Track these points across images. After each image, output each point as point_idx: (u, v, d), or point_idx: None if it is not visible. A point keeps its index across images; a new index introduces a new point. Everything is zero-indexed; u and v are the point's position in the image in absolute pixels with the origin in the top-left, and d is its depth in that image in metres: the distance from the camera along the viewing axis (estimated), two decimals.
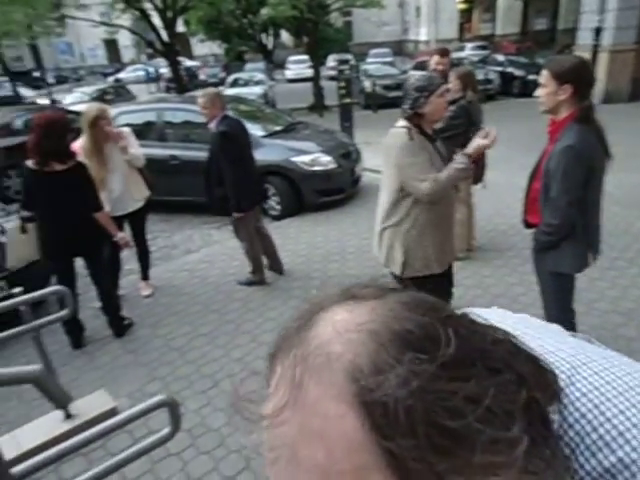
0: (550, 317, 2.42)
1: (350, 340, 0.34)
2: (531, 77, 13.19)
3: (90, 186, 3.30)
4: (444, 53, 4.37)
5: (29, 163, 3.10)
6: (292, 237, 5.11)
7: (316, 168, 5.76)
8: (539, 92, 2.19)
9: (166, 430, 1.66)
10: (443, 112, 2.41)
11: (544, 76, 2.15)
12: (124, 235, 3.68)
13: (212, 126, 3.80)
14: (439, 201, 2.35)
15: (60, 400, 1.15)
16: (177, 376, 3.11)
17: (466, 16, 32.67)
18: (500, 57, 16.40)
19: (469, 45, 25.08)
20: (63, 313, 2.46)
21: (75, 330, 3.52)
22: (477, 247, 4.50)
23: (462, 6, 31.17)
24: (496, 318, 0.47)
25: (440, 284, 2.61)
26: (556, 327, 0.57)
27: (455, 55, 16.86)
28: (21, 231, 3.30)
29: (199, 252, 5.14)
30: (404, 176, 2.29)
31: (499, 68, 15.23)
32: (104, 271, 3.57)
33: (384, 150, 2.43)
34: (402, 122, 2.36)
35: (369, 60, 22.79)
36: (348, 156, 6.31)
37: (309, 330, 0.38)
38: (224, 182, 3.73)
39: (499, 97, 14.30)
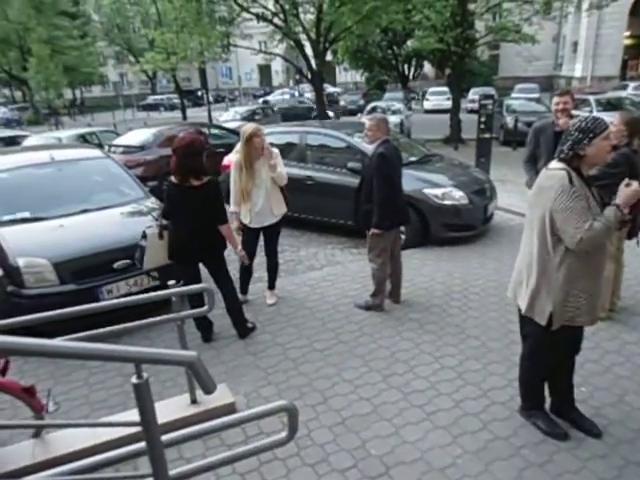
0: None
1: None
2: None
3: (219, 200, 3.65)
4: (564, 93, 4.37)
5: (172, 178, 3.58)
6: (414, 268, 5.08)
7: (447, 202, 5.68)
8: None
9: (283, 435, 1.77)
10: (605, 156, 2.27)
11: None
12: (242, 250, 4.00)
13: (371, 147, 4.11)
14: (592, 250, 2.21)
15: (207, 387, 1.31)
16: (290, 385, 3.27)
17: (632, 53, 29.74)
18: None
19: (632, 84, 22.74)
20: (205, 308, 2.77)
21: (206, 325, 3.90)
22: (621, 308, 4.04)
23: (629, 41, 28.48)
24: None
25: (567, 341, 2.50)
26: None
27: (612, 94, 15.47)
28: (159, 237, 3.76)
29: (322, 270, 5.35)
30: (559, 221, 2.19)
31: None
32: (226, 277, 3.87)
33: (537, 191, 2.35)
34: (558, 164, 2.27)
35: (514, 95, 21.84)
36: (482, 193, 6.12)
37: None
38: (372, 199, 3.96)
39: None
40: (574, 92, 4.39)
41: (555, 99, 4.31)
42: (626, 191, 2.17)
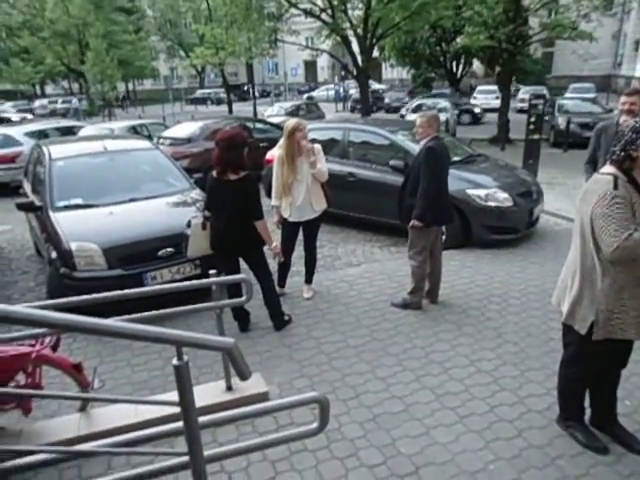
0: None
1: None
2: None
3: (255, 196, 3.69)
4: (632, 92, 4.08)
5: (213, 172, 3.66)
6: (453, 269, 5.00)
7: (490, 204, 5.55)
8: None
9: (314, 425, 1.80)
10: None
11: None
12: (277, 246, 3.99)
13: (422, 143, 4.10)
14: (627, 262, 2.10)
15: (243, 373, 1.35)
16: (323, 378, 3.31)
17: None
18: None
19: None
20: (243, 299, 2.84)
21: (243, 316, 3.99)
22: None
23: None
24: None
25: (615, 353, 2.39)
26: None
27: None
28: (202, 228, 3.86)
29: (359, 267, 5.36)
30: (597, 228, 2.10)
31: None
32: (265, 270, 3.93)
33: (583, 196, 2.26)
34: (610, 168, 2.17)
35: (568, 95, 20.99)
36: (528, 195, 5.93)
37: None
38: (416, 194, 3.97)
39: None
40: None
41: (622, 98, 4.07)
42: None
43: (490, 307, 4.26)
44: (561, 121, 13.25)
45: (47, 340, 2.59)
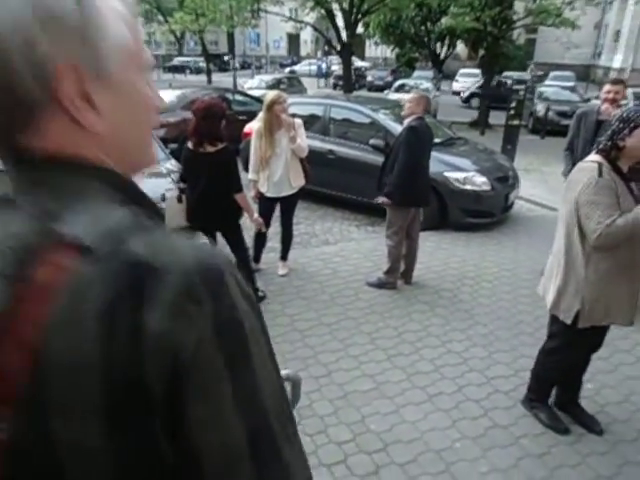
0: None
1: None
2: None
3: (234, 169, 3.58)
4: (617, 81, 4.15)
5: (188, 143, 3.53)
6: (428, 251, 5.03)
7: (468, 187, 5.57)
8: None
9: None
10: None
11: None
12: (258, 217, 3.95)
13: (406, 122, 4.05)
14: (610, 249, 2.13)
15: None
16: (296, 356, 3.30)
17: None
18: None
19: None
20: None
21: None
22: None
23: None
24: None
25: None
26: None
27: None
28: (178, 200, 3.76)
29: (336, 245, 5.34)
30: (583, 215, 2.11)
31: None
32: (241, 245, 3.87)
33: (567, 184, 2.27)
34: (595, 156, 2.17)
35: (547, 82, 21.14)
36: (505, 180, 5.99)
37: None
38: (394, 171, 3.95)
39: None
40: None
41: (607, 87, 4.07)
42: None
43: (463, 289, 4.32)
44: (540, 108, 13.38)
45: None
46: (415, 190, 4.04)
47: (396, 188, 3.94)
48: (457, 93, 24.12)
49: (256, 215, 3.94)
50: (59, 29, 0.46)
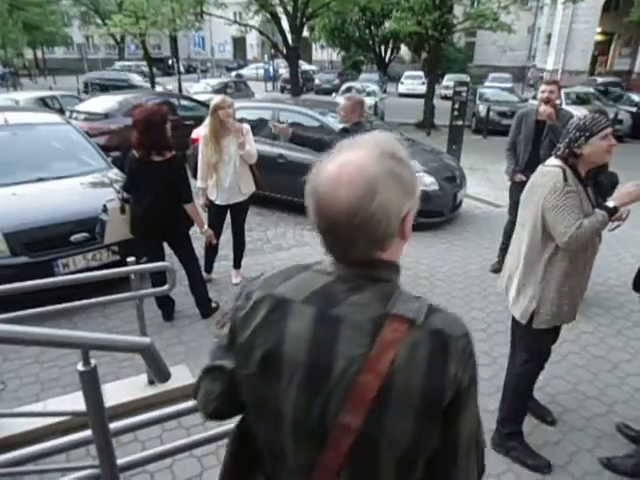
0: None
1: None
2: None
3: (184, 178, 3.46)
4: (551, 82, 4.31)
5: (134, 152, 3.36)
6: None
7: None
8: None
9: None
10: (603, 156, 2.17)
11: None
12: (208, 229, 3.84)
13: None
14: (580, 249, 2.18)
15: (160, 375, 1.23)
16: None
17: (602, 48, 30.46)
18: (636, 97, 15.02)
19: (600, 80, 23.32)
20: (166, 287, 2.66)
21: (167, 304, 3.78)
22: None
23: (600, 37, 29.09)
24: None
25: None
26: None
27: (581, 89, 15.73)
28: (121, 211, 3.58)
29: (290, 250, 5.28)
30: (550, 219, 2.13)
31: (633, 109, 13.97)
32: (191, 256, 3.75)
33: (530, 188, 2.29)
34: (555, 161, 2.21)
35: (487, 84, 22.04)
36: (452, 180, 6.14)
37: None
38: None
39: (628, 140, 13.13)
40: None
41: (542, 87, 4.24)
42: (628, 191, 2.11)
43: (418, 289, 4.36)
44: (482, 109, 13.89)
45: None
46: None
47: None
48: (403, 95, 24.71)
49: (206, 227, 3.82)
50: (410, 192, 0.81)
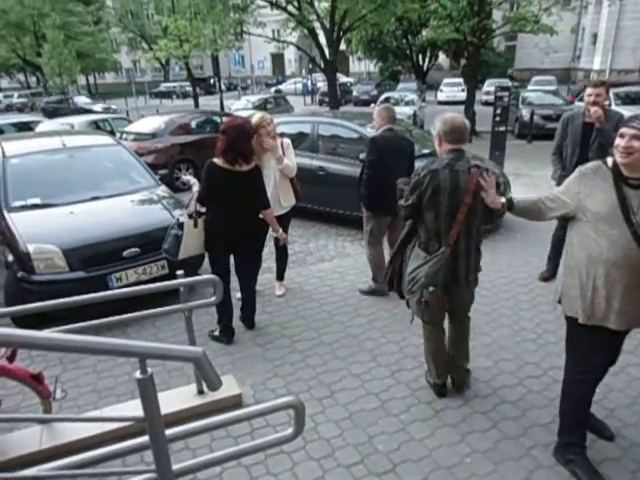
0: None
1: None
2: None
3: (263, 186, 3.65)
4: (598, 84, 4.06)
5: (218, 161, 3.39)
6: None
7: None
8: None
9: (289, 431, 1.73)
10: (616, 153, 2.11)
11: None
12: (283, 233, 3.92)
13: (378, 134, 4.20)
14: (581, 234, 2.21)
15: (212, 383, 1.28)
16: (297, 377, 3.25)
17: None
18: None
19: None
20: (213, 299, 2.74)
21: (229, 313, 3.75)
22: None
23: None
24: None
25: (600, 344, 2.30)
26: None
27: (632, 89, 15.01)
28: (194, 225, 3.52)
29: (331, 262, 5.31)
30: None
31: None
32: (255, 267, 3.85)
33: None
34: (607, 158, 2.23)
35: (530, 87, 21.45)
36: (497, 186, 5.99)
37: None
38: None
39: None
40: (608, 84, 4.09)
41: (588, 90, 4.05)
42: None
43: None
44: (525, 113, 13.53)
45: (2, 351, 2.43)
46: (385, 199, 3.97)
47: (361, 197, 4.22)
48: (443, 103, 24.41)
49: (281, 230, 3.89)
50: None
